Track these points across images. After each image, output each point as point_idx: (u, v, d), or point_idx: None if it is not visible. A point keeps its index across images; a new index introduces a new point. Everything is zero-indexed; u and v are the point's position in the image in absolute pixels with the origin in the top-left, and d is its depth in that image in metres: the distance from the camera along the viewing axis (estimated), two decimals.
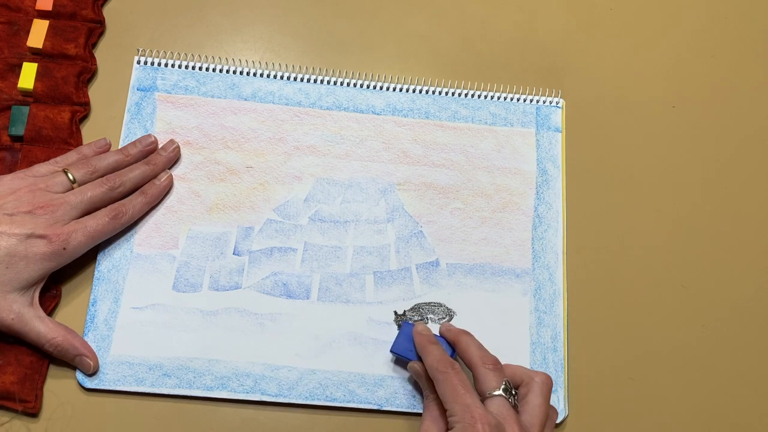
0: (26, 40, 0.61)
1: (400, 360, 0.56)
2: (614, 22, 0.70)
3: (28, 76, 0.60)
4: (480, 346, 0.53)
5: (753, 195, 0.65)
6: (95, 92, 0.62)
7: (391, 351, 0.55)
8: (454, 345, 0.54)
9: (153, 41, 0.64)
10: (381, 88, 0.64)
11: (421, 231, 0.60)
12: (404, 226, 0.60)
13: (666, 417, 0.58)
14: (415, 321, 0.58)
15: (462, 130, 0.64)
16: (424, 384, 0.54)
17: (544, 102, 0.65)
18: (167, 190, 0.59)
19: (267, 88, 0.63)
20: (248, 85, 0.63)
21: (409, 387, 0.56)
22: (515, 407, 0.49)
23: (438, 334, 0.55)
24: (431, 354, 0.52)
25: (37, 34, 0.61)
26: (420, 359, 0.54)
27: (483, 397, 0.49)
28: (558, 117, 0.65)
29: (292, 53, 0.65)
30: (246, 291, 0.57)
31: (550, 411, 0.52)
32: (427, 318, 0.58)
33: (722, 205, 0.64)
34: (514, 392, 0.50)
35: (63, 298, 0.56)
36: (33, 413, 0.53)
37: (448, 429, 0.48)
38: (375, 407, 0.55)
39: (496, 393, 0.49)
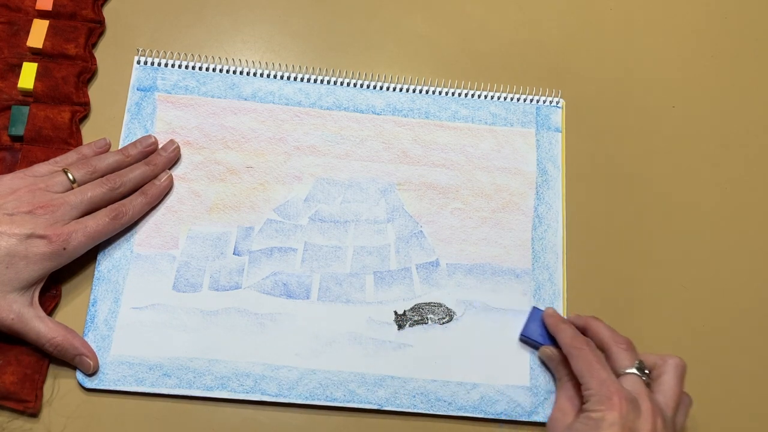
0: (26, 40, 0.61)
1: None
2: (614, 22, 0.70)
3: (28, 76, 0.60)
4: (611, 328, 0.54)
5: (753, 195, 0.65)
6: (95, 92, 0.62)
7: (521, 335, 0.57)
8: (584, 329, 0.55)
9: (153, 41, 0.64)
10: (381, 88, 0.64)
11: (421, 231, 0.60)
12: (404, 226, 0.60)
13: None
14: (543, 307, 0.58)
15: (462, 130, 0.64)
16: (555, 367, 0.55)
17: (544, 102, 0.65)
18: (167, 190, 0.59)
19: (267, 88, 0.63)
20: (248, 85, 0.63)
21: (410, 387, 0.56)
22: (648, 386, 0.50)
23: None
24: (565, 332, 0.54)
25: (37, 34, 0.61)
26: (551, 345, 0.55)
27: (616, 374, 0.50)
28: (558, 117, 0.65)
29: (292, 53, 0.65)
30: (246, 291, 0.57)
31: (684, 396, 0.52)
32: (427, 318, 0.58)
33: (722, 205, 0.64)
34: (647, 372, 0.51)
35: (63, 298, 0.56)
36: (33, 413, 0.53)
37: (583, 404, 0.49)
38: (375, 407, 0.55)
39: (630, 371, 0.50)
